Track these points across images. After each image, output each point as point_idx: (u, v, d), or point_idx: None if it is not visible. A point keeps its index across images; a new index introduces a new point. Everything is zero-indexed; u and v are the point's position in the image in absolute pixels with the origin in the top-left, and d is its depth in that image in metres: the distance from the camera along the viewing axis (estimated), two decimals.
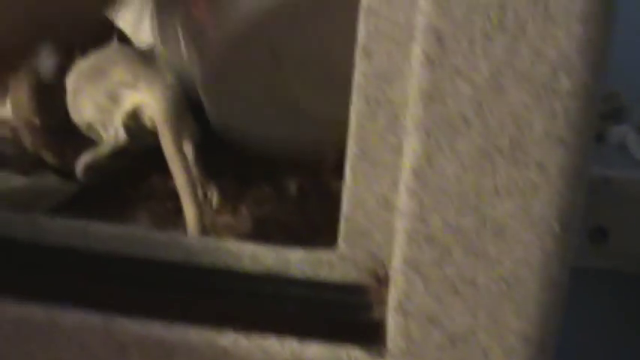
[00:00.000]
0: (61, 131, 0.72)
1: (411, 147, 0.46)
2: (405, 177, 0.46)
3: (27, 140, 0.72)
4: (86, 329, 0.52)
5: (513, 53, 0.44)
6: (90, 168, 0.69)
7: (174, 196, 0.64)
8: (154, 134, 0.66)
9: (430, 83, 0.45)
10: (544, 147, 0.45)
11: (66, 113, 0.71)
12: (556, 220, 0.46)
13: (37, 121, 0.71)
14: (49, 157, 0.72)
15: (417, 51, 0.45)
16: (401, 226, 0.47)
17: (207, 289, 0.52)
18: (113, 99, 0.69)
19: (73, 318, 0.52)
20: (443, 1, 0.44)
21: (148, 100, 0.67)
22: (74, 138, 0.71)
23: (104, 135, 0.70)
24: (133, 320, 0.51)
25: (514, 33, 0.44)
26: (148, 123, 0.67)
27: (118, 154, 0.69)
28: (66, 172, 0.71)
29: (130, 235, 0.53)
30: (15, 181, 0.69)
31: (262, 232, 0.64)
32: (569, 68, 0.44)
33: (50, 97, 0.72)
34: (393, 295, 0.48)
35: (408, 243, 0.47)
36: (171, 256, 0.52)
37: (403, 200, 0.47)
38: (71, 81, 0.71)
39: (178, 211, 0.63)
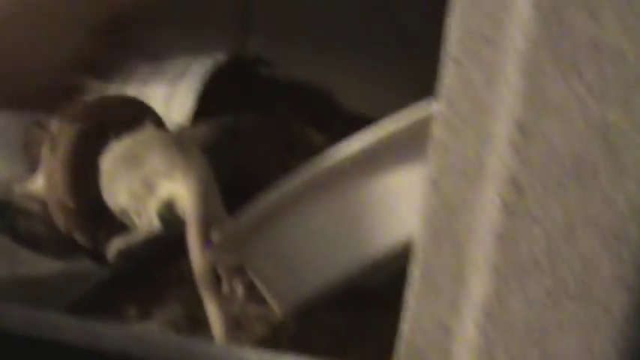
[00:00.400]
0: (95, 213, 0.72)
1: (482, 286, 0.47)
2: (475, 314, 0.48)
3: (59, 221, 0.72)
4: None
5: (585, 201, 0.46)
6: (122, 254, 0.70)
7: None
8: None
9: (505, 228, 0.47)
10: (610, 290, 0.47)
11: (100, 195, 0.72)
12: (616, 356, 0.48)
13: (70, 203, 0.72)
14: (81, 240, 0.72)
15: (492, 195, 0.47)
16: (467, 359, 0.49)
17: None
18: (148, 187, 0.69)
19: None
20: (522, 149, 0.45)
21: (182, 191, 0.67)
22: (107, 221, 0.72)
23: (138, 221, 0.70)
24: None
25: (587, 181, 0.46)
26: (181, 213, 0.68)
27: (152, 240, 0.70)
28: (97, 255, 0.71)
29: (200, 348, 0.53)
30: (47, 264, 0.69)
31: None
32: (638, 218, 0.46)
33: (85, 179, 0.72)
34: None
35: None
36: None
37: (471, 335, 0.48)
38: (106, 164, 0.71)
39: None
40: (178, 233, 0.68)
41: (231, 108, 0.83)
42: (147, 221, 0.69)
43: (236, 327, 0.68)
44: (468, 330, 0.48)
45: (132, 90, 0.81)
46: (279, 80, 0.92)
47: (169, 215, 0.68)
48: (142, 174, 0.69)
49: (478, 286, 0.48)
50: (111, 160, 0.71)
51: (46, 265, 0.69)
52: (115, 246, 0.70)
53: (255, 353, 0.54)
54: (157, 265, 0.73)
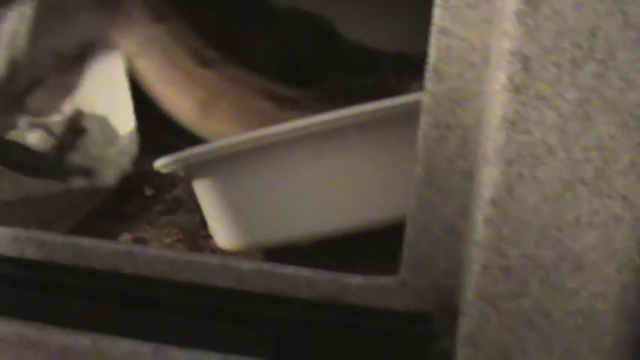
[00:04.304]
0: None
1: (490, 176, 0.44)
2: (483, 206, 0.44)
3: None
4: (134, 358, 0.49)
5: (602, 80, 0.42)
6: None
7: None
8: None
9: (513, 110, 0.43)
10: (629, 178, 0.43)
11: None
12: (637, 253, 0.44)
13: None
14: None
15: (499, 76, 0.43)
16: (475, 256, 0.45)
17: (261, 316, 0.50)
18: None
19: (121, 347, 0.49)
20: (531, 25, 0.42)
21: None
22: None
23: None
24: (183, 349, 0.49)
25: (603, 59, 0.42)
26: None
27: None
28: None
29: (181, 259, 0.50)
30: (53, 186, 0.66)
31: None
32: None
33: None
34: (465, 327, 0.46)
35: (483, 274, 0.45)
36: (224, 283, 0.50)
37: (479, 230, 0.45)
38: None
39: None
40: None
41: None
42: None
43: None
44: (477, 227, 0.45)
45: None
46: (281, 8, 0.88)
47: None
48: None
49: (487, 179, 0.44)
50: None
51: (52, 188, 0.67)
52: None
53: (249, 263, 0.51)
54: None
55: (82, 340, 0.50)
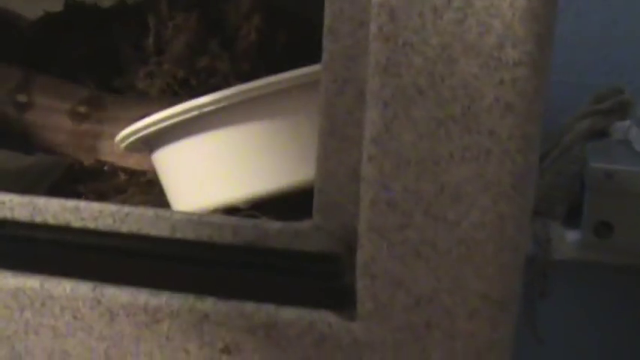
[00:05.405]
0: None
1: (370, 117, 0.49)
2: (366, 145, 0.50)
3: None
4: (78, 298, 0.55)
5: (462, 26, 0.47)
6: None
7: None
8: None
9: (385, 57, 0.48)
10: (494, 114, 0.48)
11: None
12: (509, 184, 0.49)
13: None
14: None
15: (372, 27, 0.48)
16: (364, 192, 0.50)
17: (191, 259, 0.56)
18: None
19: (65, 287, 0.56)
20: None
21: None
22: None
23: None
24: (120, 288, 0.55)
25: (461, 7, 0.47)
26: None
27: None
28: None
29: (122, 212, 0.56)
30: (21, 160, 0.73)
31: None
32: (514, 39, 0.47)
33: None
34: (361, 259, 0.51)
35: (372, 208, 0.50)
36: (159, 232, 0.56)
37: (365, 168, 0.50)
38: None
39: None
40: None
41: None
42: None
43: None
44: (363, 165, 0.50)
45: None
46: None
47: None
48: None
49: (368, 121, 0.49)
50: None
51: (22, 162, 0.74)
52: None
53: (180, 214, 0.56)
54: None
55: (32, 282, 0.56)
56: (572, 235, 1.03)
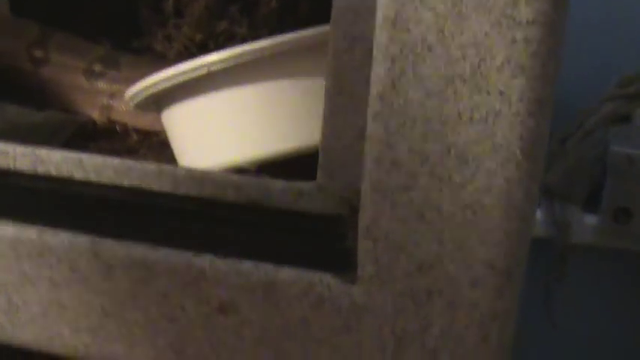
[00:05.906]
0: None
1: (377, 73, 0.48)
2: (371, 102, 0.48)
3: None
4: (75, 250, 0.55)
5: None
6: None
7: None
8: None
9: (394, 11, 0.47)
10: (505, 74, 0.47)
11: None
12: (518, 148, 0.48)
13: None
14: None
15: None
16: (368, 150, 0.49)
17: (193, 215, 0.55)
18: None
19: (63, 239, 0.55)
20: None
21: None
22: None
23: None
24: (118, 242, 0.54)
25: None
26: None
27: None
28: None
29: (124, 165, 0.55)
30: (34, 116, 0.73)
31: None
32: None
33: None
34: (363, 220, 0.50)
35: (376, 167, 0.49)
36: (162, 187, 0.55)
37: (370, 125, 0.49)
38: None
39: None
40: None
41: None
42: None
43: None
44: (368, 122, 0.49)
45: None
46: None
47: None
48: None
49: (375, 76, 0.48)
50: None
51: (33, 118, 0.73)
52: None
53: (183, 170, 0.55)
54: None
55: (30, 233, 0.55)
56: (590, 220, 1.01)
